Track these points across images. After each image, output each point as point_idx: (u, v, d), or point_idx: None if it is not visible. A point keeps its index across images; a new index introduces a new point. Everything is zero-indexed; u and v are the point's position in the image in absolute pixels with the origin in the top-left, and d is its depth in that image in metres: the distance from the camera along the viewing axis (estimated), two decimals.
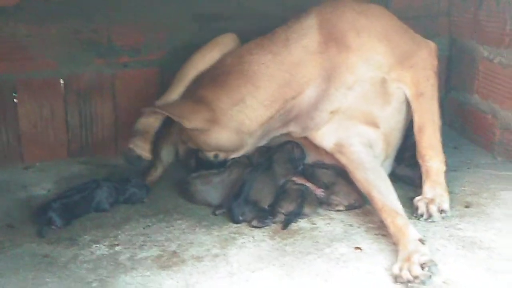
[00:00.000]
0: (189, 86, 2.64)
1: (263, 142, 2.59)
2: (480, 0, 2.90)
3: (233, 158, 2.55)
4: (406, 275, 1.90)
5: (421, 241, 2.02)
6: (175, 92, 2.64)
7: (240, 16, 3.02)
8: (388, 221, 2.15)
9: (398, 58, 2.43)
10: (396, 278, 1.92)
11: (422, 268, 1.91)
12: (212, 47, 2.67)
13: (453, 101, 3.20)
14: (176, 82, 2.67)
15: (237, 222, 2.33)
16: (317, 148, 2.55)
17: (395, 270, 1.94)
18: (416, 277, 1.89)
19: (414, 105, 2.45)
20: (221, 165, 2.54)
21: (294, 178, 2.48)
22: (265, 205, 2.38)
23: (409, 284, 1.89)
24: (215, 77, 2.50)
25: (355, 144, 2.44)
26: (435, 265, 1.93)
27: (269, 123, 2.47)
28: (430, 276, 1.90)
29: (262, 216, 2.32)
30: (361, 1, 2.54)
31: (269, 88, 2.41)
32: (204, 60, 2.65)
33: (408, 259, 1.94)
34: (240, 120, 2.43)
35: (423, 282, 1.89)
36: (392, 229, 2.12)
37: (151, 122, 2.63)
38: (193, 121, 2.41)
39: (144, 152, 2.58)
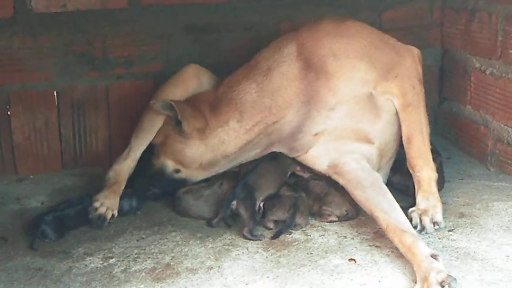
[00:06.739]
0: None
1: (235, 165, 2.58)
2: (473, 12, 2.92)
3: (194, 183, 2.56)
4: None
5: (434, 256, 1.98)
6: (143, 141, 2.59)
7: (235, 27, 3.03)
8: (396, 241, 2.11)
9: (382, 71, 2.44)
10: None
11: (442, 286, 1.87)
12: (175, 85, 2.67)
13: (446, 112, 3.21)
14: (138, 140, 2.60)
15: (228, 203, 2.37)
16: None
17: None
18: None
19: (401, 116, 2.45)
20: (175, 185, 2.55)
21: (297, 168, 2.56)
22: (261, 196, 2.40)
23: None
24: (210, 101, 2.53)
25: (349, 163, 2.43)
26: (454, 280, 1.89)
27: (246, 148, 2.48)
28: None
29: (252, 224, 2.33)
30: (341, 20, 2.55)
31: (252, 114, 2.45)
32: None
33: (425, 279, 1.90)
34: (221, 139, 2.47)
35: None
36: (401, 249, 2.08)
37: (124, 170, 2.57)
38: (191, 125, 2.46)
39: (109, 210, 2.45)
